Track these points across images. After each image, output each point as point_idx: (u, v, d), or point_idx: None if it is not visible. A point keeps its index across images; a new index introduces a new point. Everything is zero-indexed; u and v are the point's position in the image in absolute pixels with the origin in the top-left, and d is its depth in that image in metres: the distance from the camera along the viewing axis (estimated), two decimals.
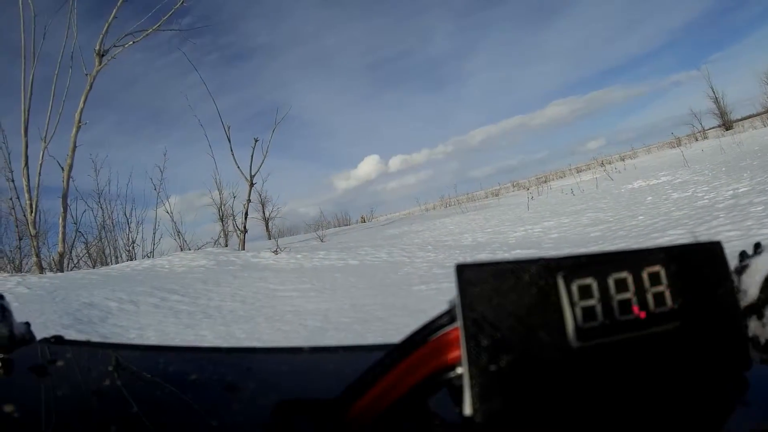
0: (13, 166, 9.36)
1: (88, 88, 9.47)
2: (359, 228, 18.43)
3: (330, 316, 3.87)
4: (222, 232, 12.46)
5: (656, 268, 0.32)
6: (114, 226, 12.70)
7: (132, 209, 12.76)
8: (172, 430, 0.34)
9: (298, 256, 7.90)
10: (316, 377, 0.45)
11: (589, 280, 0.31)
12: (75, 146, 9.53)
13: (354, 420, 0.32)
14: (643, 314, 0.32)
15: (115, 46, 9.48)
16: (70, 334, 3.50)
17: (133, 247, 12.61)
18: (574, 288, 0.31)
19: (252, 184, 10.86)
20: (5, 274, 8.12)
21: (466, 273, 0.31)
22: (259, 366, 0.48)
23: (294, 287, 5.36)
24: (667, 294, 0.32)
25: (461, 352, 0.30)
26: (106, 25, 9.29)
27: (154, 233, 12.37)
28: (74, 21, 9.53)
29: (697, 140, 26.98)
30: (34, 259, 9.12)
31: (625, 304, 0.31)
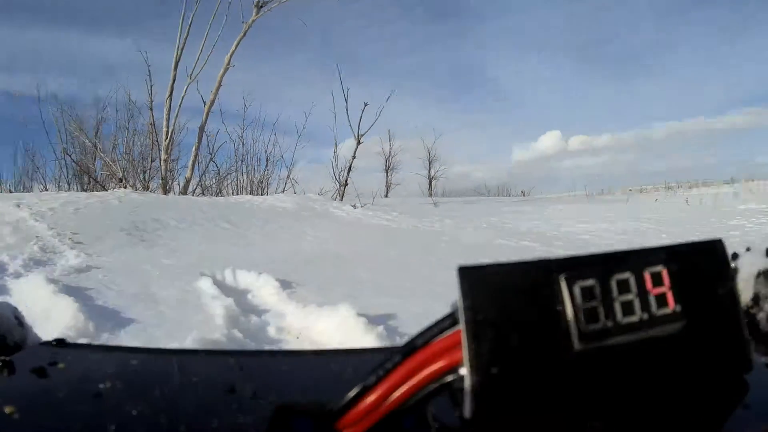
0: (156, 98, 10.70)
1: (242, 35, 10.15)
2: (508, 201, 17.87)
3: (314, 256, 4.33)
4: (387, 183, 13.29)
5: (658, 268, 0.32)
6: (257, 163, 14.04)
7: (274, 147, 13.92)
8: None
9: (369, 213, 8.09)
10: (316, 380, 0.45)
11: (591, 282, 0.31)
12: (220, 85, 10.41)
13: (355, 423, 0.32)
14: (645, 316, 0.31)
15: None
16: (121, 237, 4.60)
17: (267, 184, 13.75)
18: (577, 289, 0.31)
19: (359, 143, 11.52)
20: (127, 190, 8.43)
21: (468, 275, 0.31)
22: (260, 369, 0.48)
23: (328, 234, 5.77)
24: (669, 295, 0.32)
25: (463, 354, 0.30)
26: None
27: (288, 174, 13.44)
28: None
29: None
30: (161, 181, 9.98)
31: (628, 306, 0.31)
